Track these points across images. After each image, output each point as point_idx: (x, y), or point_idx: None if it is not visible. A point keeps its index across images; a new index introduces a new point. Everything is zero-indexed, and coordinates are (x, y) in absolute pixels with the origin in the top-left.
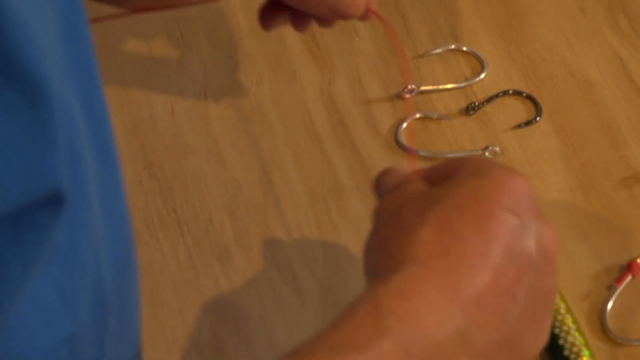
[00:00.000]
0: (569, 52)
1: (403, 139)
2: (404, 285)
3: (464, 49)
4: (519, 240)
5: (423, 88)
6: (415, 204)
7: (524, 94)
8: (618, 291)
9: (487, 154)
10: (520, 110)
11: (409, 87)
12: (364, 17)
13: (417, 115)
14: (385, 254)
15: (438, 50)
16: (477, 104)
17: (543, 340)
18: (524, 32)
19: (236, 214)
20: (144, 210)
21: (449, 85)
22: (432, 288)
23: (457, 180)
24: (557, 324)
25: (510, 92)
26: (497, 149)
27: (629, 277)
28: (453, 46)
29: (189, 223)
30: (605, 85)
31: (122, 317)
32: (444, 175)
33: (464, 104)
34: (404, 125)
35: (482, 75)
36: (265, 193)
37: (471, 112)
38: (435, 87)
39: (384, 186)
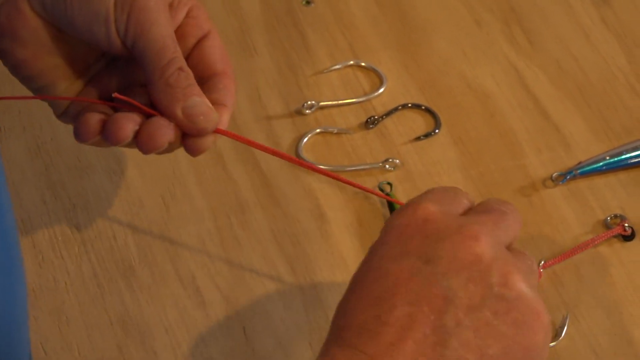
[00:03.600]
0: (466, 64)
1: (304, 154)
2: None
3: (363, 64)
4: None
5: (323, 103)
6: None
7: (423, 107)
8: None
9: (387, 166)
10: (419, 123)
11: (309, 102)
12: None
13: (317, 130)
14: None
15: (337, 66)
16: (376, 117)
17: None
18: (421, 46)
19: (139, 230)
20: (48, 229)
21: (349, 100)
22: None
23: None
24: None
25: (409, 105)
26: (397, 161)
27: None
28: (352, 62)
29: (93, 241)
30: (502, 96)
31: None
32: None
33: (363, 118)
34: (305, 140)
35: (381, 90)
36: (168, 210)
37: (371, 126)
38: (334, 103)
39: None
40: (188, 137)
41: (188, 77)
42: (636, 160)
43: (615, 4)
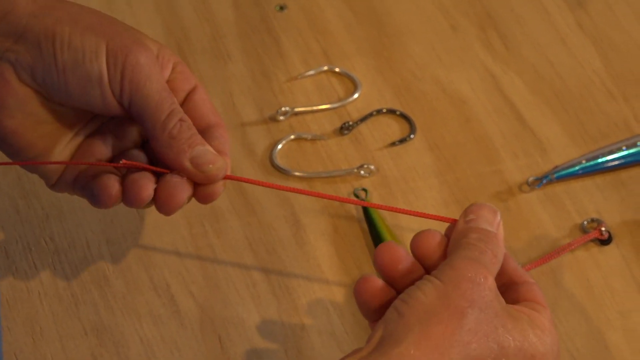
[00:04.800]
0: (441, 69)
1: (278, 160)
2: None
3: (337, 70)
4: None
5: (297, 110)
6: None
7: (398, 112)
8: None
9: (362, 172)
10: (394, 128)
11: (283, 109)
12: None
13: (292, 137)
14: None
15: (311, 72)
16: (351, 123)
17: None
18: (396, 51)
19: (113, 239)
20: (22, 238)
21: (323, 106)
22: None
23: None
24: None
25: (384, 110)
26: (372, 167)
27: None
28: (326, 67)
29: (67, 250)
30: (478, 101)
31: None
32: None
33: (338, 124)
34: (279, 146)
35: (356, 95)
36: (143, 218)
37: (345, 132)
38: (309, 109)
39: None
40: (199, 187)
41: (190, 127)
42: (612, 163)
43: (590, 8)
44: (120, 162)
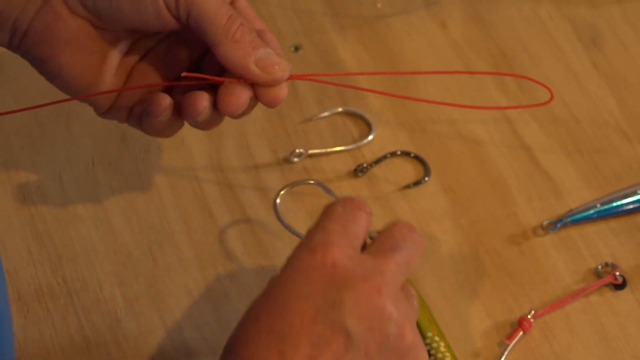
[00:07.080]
0: (455, 111)
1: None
2: None
3: (351, 111)
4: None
5: (311, 152)
6: None
7: (412, 155)
8: (509, 348)
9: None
10: (408, 170)
11: (297, 151)
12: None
13: (311, 182)
14: None
15: (325, 114)
16: (365, 165)
17: None
18: (410, 92)
19: (126, 282)
20: (34, 280)
21: (337, 148)
22: None
23: None
24: None
25: (398, 152)
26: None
27: (520, 334)
28: (340, 109)
29: (79, 292)
30: (493, 143)
31: None
32: None
33: (352, 166)
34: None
35: (370, 137)
36: (155, 260)
37: (359, 174)
38: (323, 151)
39: None
40: (264, 90)
41: (251, 30)
42: (627, 207)
43: (605, 47)
44: (182, 74)
